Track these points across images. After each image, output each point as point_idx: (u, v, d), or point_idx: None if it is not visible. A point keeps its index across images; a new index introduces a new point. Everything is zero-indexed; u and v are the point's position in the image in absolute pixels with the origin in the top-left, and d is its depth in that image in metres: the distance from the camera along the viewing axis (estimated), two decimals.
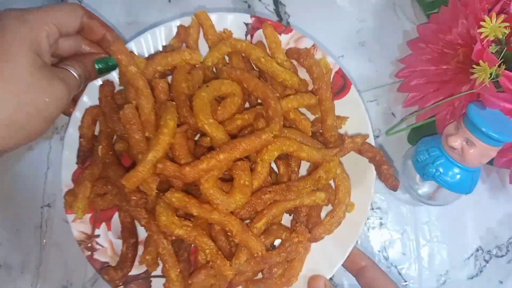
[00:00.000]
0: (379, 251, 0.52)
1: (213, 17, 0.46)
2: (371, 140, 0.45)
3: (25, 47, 0.35)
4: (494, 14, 0.40)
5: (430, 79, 0.49)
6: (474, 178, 0.45)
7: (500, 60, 0.40)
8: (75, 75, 0.39)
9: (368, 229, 0.52)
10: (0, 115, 0.33)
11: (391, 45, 0.56)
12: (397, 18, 0.57)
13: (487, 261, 0.52)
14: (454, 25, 0.45)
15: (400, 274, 0.52)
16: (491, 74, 0.40)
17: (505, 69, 0.40)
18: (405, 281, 0.51)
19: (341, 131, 0.47)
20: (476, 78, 0.41)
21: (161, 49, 0.48)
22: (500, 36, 0.41)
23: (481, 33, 0.41)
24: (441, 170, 0.44)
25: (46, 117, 0.36)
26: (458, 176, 0.44)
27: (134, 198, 0.40)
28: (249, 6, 0.57)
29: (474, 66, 0.41)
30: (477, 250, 0.52)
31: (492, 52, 0.41)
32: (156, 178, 0.39)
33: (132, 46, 0.46)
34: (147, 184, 0.39)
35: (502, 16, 0.40)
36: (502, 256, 0.52)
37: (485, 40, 0.41)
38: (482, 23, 0.40)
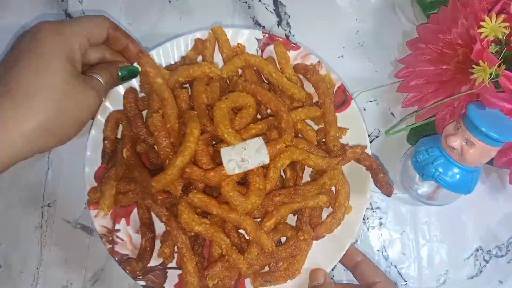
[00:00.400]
0: (378, 251, 0.52)
1: (228, 32, 0.50)
2: (368, 150, 0.48)
3: (62, 58, 0.38)
4: (494, 14, 0.40)
5: (430, 79, 0.49)
6: (473, 178, 0.45)
7: (500, 60, 0.40)
8: (103, 82, 0.42)
9: (367, 229, 0.52)
10: (40, 120, 0.36)
11: (391, 46, 0.56)
12: (397, 18, 0.57)
13: (487, 261, 0.52)
14: (454, 25, 0.45)
15: (399, 273, 0.52)
16: (491, 74, 0.40)
17: (505, 69, 0.40)
18: (405, 281, 0.51)
19: (341, 140, 0.50)
20: (476, 78, 0.41)
21: (177, 59, 0.51)
22: (500, 36, 0.41)
23: (481, 33, 0.41)
24: (440, 170, 0.44)
25: (79, 122, 0.40)
26: (458, 176, 0.44)
27: (161, 197, 0.44)
28: (249, 7, 0.57)
29: (474, 66, 0.41)
30: (477, 250, 0.52)
31: (492, 52, 0.41)
32: (182, 181, 0.43)
33: (153, 54, 0.49)
34: (174, 185, 0.43)
35: (502, 16, 0.40)
36: (502, 256, 0.52)
37: (485, 40, 0.41)
38: (482, 23, 0.41)
